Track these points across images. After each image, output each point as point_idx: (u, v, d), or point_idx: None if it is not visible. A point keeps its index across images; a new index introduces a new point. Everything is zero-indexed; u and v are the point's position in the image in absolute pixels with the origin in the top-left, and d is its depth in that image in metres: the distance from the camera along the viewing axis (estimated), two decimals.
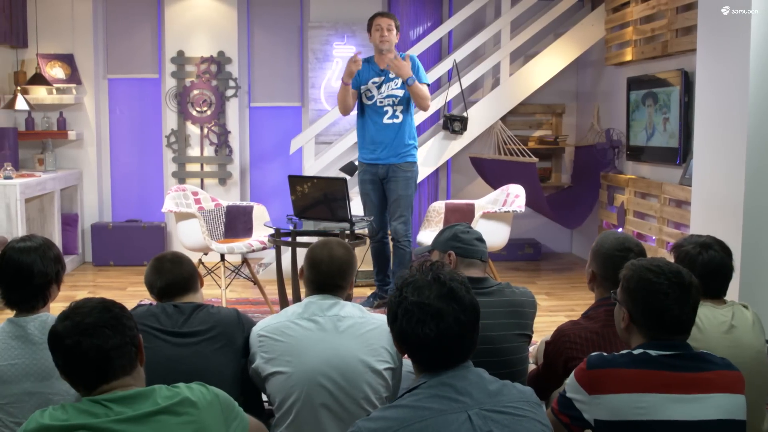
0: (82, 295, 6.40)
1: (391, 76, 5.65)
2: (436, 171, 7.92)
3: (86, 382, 1.99)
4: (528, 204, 7.33)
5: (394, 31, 5.68)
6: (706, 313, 2.92)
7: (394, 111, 5.69)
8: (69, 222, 7.56)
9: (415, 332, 1.92)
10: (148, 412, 1.93)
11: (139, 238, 7.57)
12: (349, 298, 2.94)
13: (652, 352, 2.22)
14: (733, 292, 4.47)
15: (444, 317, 1.92)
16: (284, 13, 7.90)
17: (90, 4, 7.58)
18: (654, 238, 6.10)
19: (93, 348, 1.96)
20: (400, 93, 5.67)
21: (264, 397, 2.88)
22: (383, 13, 5.81)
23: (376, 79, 5.70)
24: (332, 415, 2.61)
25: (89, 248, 7.75)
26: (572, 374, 2.30)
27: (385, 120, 5.69)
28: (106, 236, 7.59)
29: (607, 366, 2.21)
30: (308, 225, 5.25)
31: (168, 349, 2.75)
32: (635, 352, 2.24)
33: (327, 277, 2.83)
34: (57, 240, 7.06)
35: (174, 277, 2.93)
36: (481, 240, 3.09)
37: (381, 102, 5.69)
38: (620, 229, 6.78)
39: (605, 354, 2.26)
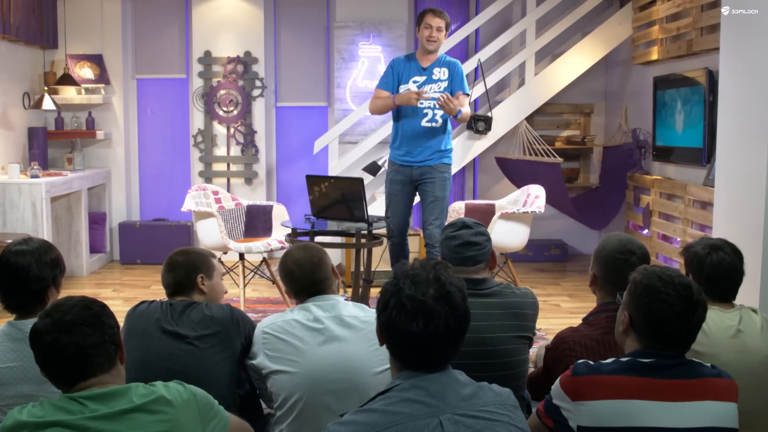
0: (106, 292, 6.49)
1: (434, 77, 5.30)
2: (463, 171, 7.88)
3: (65, 379, 2.01)
4: (553, 204, 7.29)
5: (444, 32, 5.29)
6: (713, 316, 2.85)
7: (434, 114, 5.30)
8: (97, 220, 7.66)
9: (403, 326, 1.89)
10: (122, 409, 1.94)
11: (166, 236, 7.64)
12: (339, 286, 2.95)
13: (641, 360, 2.17)
14: (754, 295, 4.38)
15: (435, 318, 1.89)
16: (310, 13, 7.93)
17: (119, 5, 7.68)
18: (678, 240, 5.99)
19: (71, 345, 1.98)
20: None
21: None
22: (435, 10, 5.32)
23: (418, 78, 5.32)
24: (334, 416, 2.61)
25: (117, 246, 7.84)
26: (557, 380, 2.26)
27: (424, 123, 5.31)
28: (133, 235, 7.68)
29: (592, 373, 2.17)
30: (332, 225, 5.24)
31: (162, 348, 2.78)
32: (623, 359, 2.19)
33: (306, 279, 2.84)
34: (84, 238, 7.16)
35: (167, 279, 2.98)
36: (469, 244, 2.94)
37: (422, 103, 5.26)
38: (646, 231, 6.68)
39: (591, 362, 2.22)
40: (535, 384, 3.00)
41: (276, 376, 2.69)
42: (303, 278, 2.83)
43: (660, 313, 2.17)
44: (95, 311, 2.05)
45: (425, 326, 1.88)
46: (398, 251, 5.60)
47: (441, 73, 5.33)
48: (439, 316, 1.89)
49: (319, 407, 2.63)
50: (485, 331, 2.83)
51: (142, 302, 2.96)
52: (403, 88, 5.33)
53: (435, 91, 5.27)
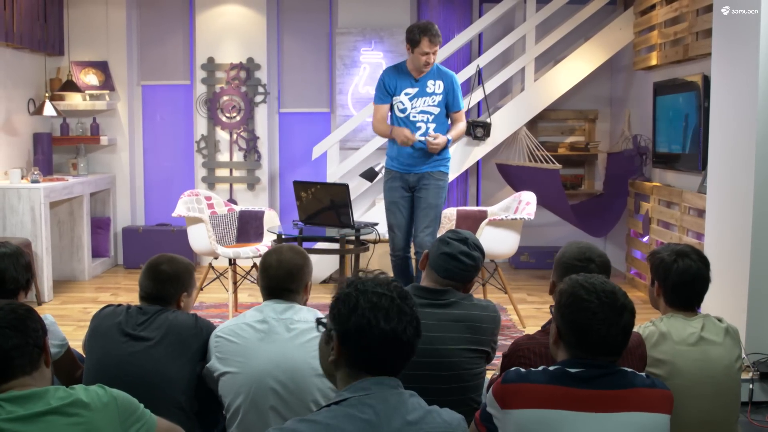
0: (105, 296, 6.54)
1: (428, 90, 5.16)
2: (466, 177, 7.86)
3: None
4: (553, 211, 7.23)
5: (437, 50, 5.16)
6: (675, 324, 2.82)
7: (428, 128, 5.17)
8: (101, 225, 7.73)
9: (377, 323, 1.86)
10: (38, 412, 1.96)
11: (168, 241, 7.67)
12: (304, 303, 2.94)
13: (570, 369, 2.14)
14: (742, 301, 4.33)
15: (404, 316, 1.89)
16: (312, 19, 7.96)
17: (124, 12, 7.75)
18: None
19: None
20: (436, 111, 5.18)
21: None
22: (431, 34, 5.06)
23: (410, 90, 5.18)
24: (280, 417, 2.63)
25: (121, 251, 7.91)
26: (490, 389, 2.24)
27: (417, 136, 5.14)
28: (136, 240, 7.74)
29: (520, 381, 2.15)
30: (332, 232, 5.22)
31: (121, 350, 2.81)
32: (551, 368, 2.16)
33: (276, 281, 2.87)
34: (86, 242, 7.22)
35: (149, 288, 2.97)
36: (453, 259, 2.94)
37: (414, 117, 5.17)
38: (645, 239, 6.60)
39: (522, 369, 2.19)
40: None
41: (224, 378, 2.72)
42: (275, 278, 2.86)
43: (584, 322, 2.14)
44: (20, 314, 2.09)
45: (398, 323, 1.87)
46: (403, 266, 5.34)
47: (435, 86, 5.19)
48: (406, 314, 1.89)
49: (264, 410, 2.63)
50: (437, 342, 2.81)
51: (109, 305, 3.01)
52: (395, 101, 5.21)
53: (429, 105, 5.17)
